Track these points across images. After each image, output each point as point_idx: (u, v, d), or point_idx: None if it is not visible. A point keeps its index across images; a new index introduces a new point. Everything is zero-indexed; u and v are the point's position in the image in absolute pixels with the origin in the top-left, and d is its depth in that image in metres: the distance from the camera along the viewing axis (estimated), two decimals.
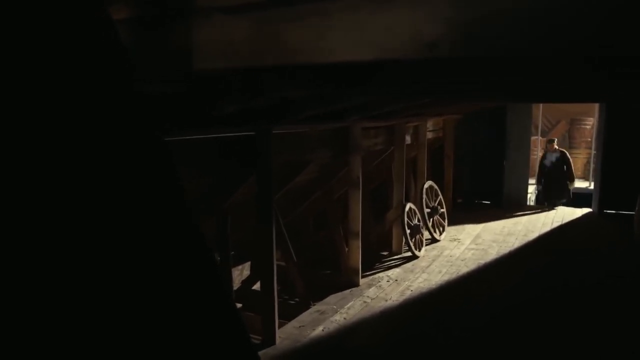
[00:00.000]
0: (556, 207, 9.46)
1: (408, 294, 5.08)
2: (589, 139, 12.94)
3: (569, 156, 9.42)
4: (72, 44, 1.09)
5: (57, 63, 1.08)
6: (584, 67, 2.09)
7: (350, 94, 3.20)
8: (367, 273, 5.68)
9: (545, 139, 10.56)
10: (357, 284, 5.29)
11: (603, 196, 8.65)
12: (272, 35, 1.20)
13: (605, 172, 8.57)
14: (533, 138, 11.34)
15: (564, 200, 9.48)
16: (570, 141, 13.71)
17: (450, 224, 7.86)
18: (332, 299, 4.96)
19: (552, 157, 9.23)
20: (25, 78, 1.04)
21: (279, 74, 1.93)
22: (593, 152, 11.45)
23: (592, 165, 11.61)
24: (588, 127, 13.23)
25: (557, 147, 9.44)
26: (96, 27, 1.10)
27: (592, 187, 10.34)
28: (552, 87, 3.34)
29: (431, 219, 7.03)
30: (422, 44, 0.96)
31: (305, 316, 4.57)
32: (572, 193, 10.03)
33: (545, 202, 9.62)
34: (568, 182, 9.25)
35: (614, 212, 8.56)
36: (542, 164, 9.54)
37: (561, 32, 1.11)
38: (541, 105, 12.14)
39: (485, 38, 1.08)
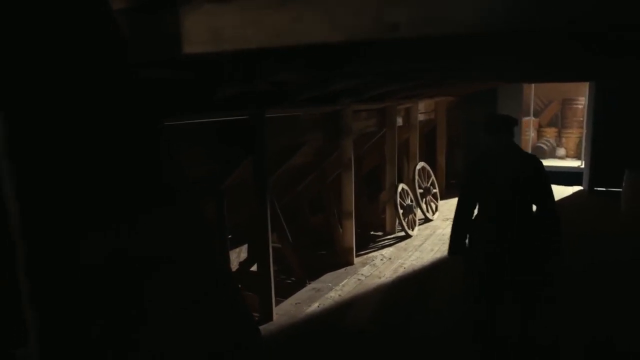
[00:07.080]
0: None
1: (401, 271, 5.24)
2: (581, 119, 13.05)
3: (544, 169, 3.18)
4: (73, 31, 1.21)
5: (60, 48, 1.19)
6: (555, 41, 2.20)
7: (326, 76, 3.29)
8: (362, 252, 5.84)
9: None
10: (351, 263, 5.45)
11: (593, 174, 8.84)
12: (256, 21, 1.31)
13: (594, 151, 8.76)
14: (526, 119, 11.44)
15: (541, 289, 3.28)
16: (562, 121, 13.83)
17: (443, 204, 8.01)
18: (327, 277, 5.12)
19: (505, 170, 3.05)
20: (27, 60, 1.15)
21: (266, 57, 2.04)
22: (584, 131, 11.56)
23: (583, 144, 11.73)
24: (580, 106, 13.32)
25: (518, 145, 3.24)
26: (96, 15, 1.21)
27: (583, 165, 10.49)
28: (530, 65, 3.45)
29: (424, 199, 7.18)
30: (384, 24, 1.08)
31: (301, 294, 4.73)
32: (563, 172, 10.08)
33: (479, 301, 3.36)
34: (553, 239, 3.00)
35: (603, 189, 8.75)
36: (470, 186, 3.46)
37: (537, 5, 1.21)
38: (533, 85, 12.22)
39: (449, 16, 1.19)
